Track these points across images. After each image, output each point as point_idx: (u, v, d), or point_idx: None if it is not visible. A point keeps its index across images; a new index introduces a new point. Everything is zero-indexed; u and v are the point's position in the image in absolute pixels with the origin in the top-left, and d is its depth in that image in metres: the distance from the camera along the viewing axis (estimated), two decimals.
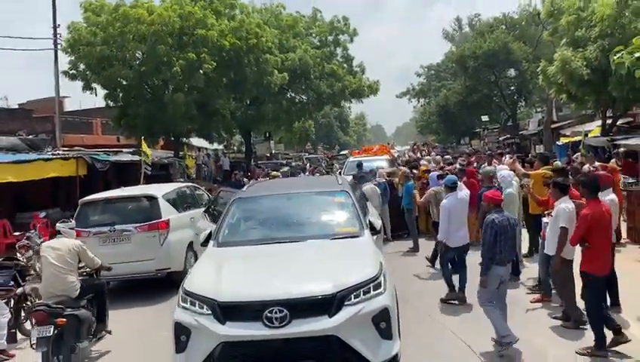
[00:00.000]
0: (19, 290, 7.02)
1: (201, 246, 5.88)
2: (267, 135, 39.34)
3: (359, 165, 15.05)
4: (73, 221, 6.87)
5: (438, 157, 17.18)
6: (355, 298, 4.60)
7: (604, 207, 5.70)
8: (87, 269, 6.53)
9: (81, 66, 19.72)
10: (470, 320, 6.63)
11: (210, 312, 4.59)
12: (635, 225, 10.34)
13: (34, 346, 5.48)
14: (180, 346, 4.65)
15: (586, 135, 17.58)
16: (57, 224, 6.52)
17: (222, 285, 4.77)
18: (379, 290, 4.72)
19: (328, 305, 4.53)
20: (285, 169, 16.51)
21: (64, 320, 5.44)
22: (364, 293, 4.65)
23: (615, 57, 6.25)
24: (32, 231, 11.36)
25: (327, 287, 4.60)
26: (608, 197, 6.59)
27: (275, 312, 4.44)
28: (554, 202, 6.42)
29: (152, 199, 9.03)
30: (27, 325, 7.18)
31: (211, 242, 5.82)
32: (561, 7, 17.02)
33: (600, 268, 5.56)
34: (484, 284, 5.70)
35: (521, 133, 34.21)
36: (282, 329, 4.43)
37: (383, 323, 4.62)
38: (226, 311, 4.56)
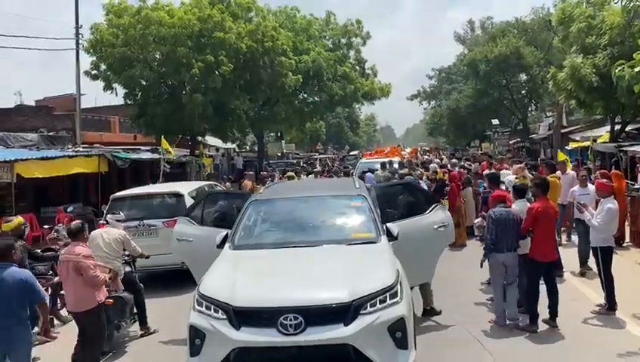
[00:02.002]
0: (55, 279, 7.56)
1: (217, 248, 5.77)
2: (279, 135, 39.84)
3: (383, 165, 15.89)
4: (122, 213, 7.43)
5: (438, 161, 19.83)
6: (371, 307, 4.53)
7: (551, 205, 6.75)
8: (126, 257, 7.08)
9: (102, 67, 20.31)
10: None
11: (225, 317, 4.54)
12: (637, 229, 10.68)
13: None
14: (195, 349, 4.61)
15: (594, 141, 17.89)
16: (107, 216, 7.13)
17: (237, 290, 4.71)
18: (395, 299, 4.64)
19: (344, 313, 4.47)
20: (318, 168, 16.93)
21: (111, 300, 6.04)
22: (381, 302, 4.57)
23: (617, 70, 6.63)
24: (60, 225, 11.98)
25: (343, 295, 4.54)
26: (607, 205, 6.91)
27: (290, 319, 4.39)
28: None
29: (178, 196, 9.60)
30: (63, 311, 7.76)
31: (227, 244, 5.75)
32: (572, 15, 17.31)
33: (542, 255, 6.48)
34: (481, 265, 6.82)
35: (531, 137, 34.40)
36: (297, 336, 4.38)
37: (399, 332, 4.54)
38: (241, 317, 4.51)
